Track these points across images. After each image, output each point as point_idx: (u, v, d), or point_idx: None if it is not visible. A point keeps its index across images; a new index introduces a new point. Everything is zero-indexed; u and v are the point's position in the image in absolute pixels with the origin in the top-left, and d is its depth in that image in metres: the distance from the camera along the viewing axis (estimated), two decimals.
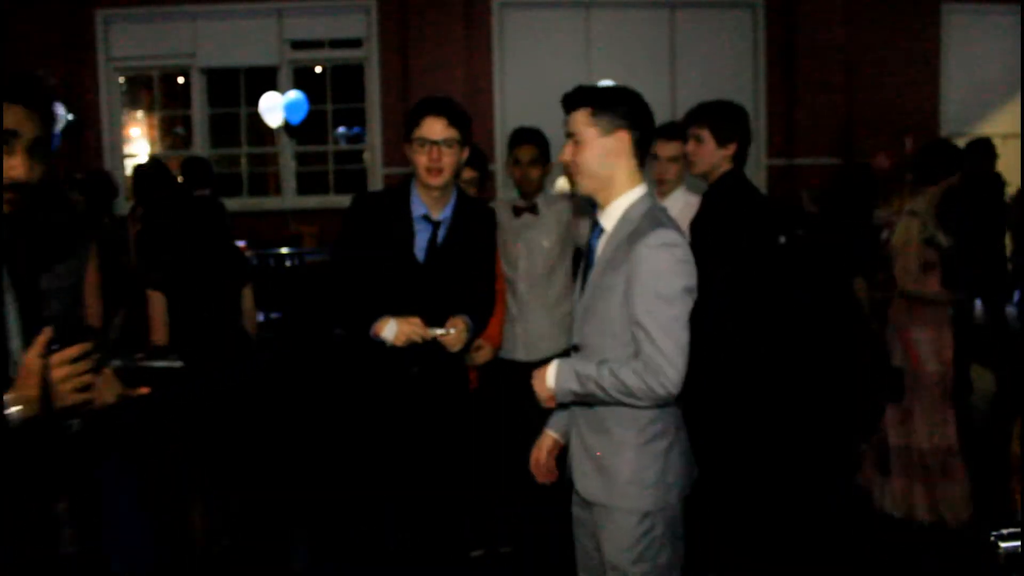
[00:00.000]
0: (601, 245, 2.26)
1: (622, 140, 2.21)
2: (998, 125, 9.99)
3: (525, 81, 10.20)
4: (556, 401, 2.26)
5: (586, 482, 2.31)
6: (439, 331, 2.73)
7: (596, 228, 2.30)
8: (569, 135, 2.26)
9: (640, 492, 2.21)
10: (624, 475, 2.22)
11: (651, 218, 2.18)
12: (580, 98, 2.24)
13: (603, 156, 2.21)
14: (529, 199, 3.89)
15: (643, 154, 2.26)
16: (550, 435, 2.50)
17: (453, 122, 2.77)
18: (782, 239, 6.95)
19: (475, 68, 10.14)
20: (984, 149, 6.03)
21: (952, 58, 10.43)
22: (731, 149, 3.33)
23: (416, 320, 2.70)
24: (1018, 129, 9.33)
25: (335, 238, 2.96)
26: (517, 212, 3.87)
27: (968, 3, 10.40)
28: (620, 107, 2.21)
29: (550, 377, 2.22)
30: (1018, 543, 1.41)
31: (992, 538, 1.44)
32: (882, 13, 10.15)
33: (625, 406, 2.19)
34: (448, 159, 2.74)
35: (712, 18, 10.43)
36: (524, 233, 3.86)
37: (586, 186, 2.27)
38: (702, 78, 9.69)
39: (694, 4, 10.45)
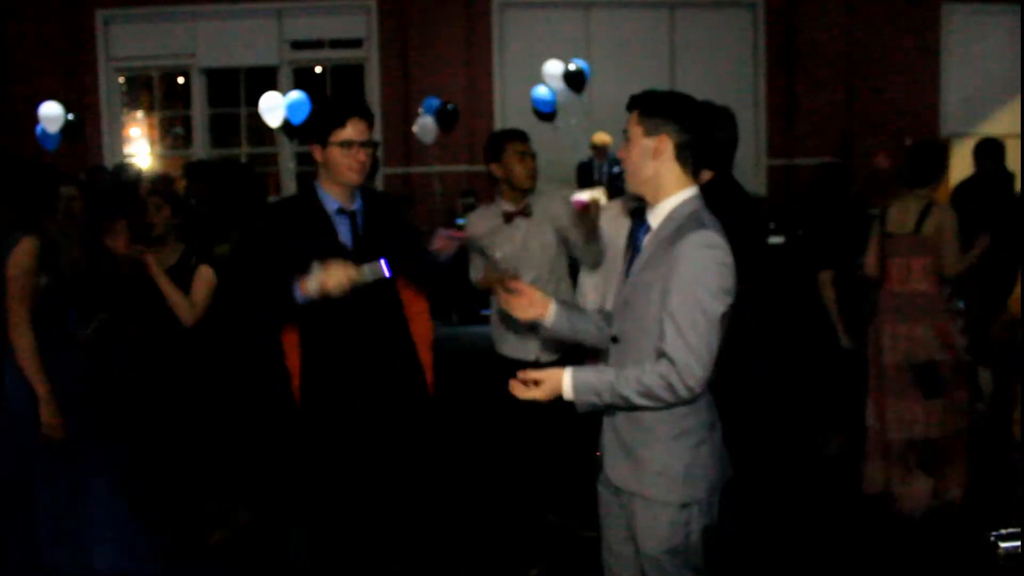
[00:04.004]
0: (646, 243, 2.34)
1: (663, 143, 2.28)
2: (998, 125, 9.98)
3: (525, 81, 10.19)
4: (578, 410, 2.30)
5: (617, 469, 2.36)
6: (367, 270, 2.64)
7: (644, 225, 2.38)
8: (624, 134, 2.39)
9: (669, 484, 2.27)
10: (654, 466, 2.28)
11: (695, 219, 2.26)
12: (633, 100, 2.36)
13: (646, 156, 2.30)
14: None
15: (690, 158, 2.32)
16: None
17: (370, 124, 2.92)
18: (781, 239, 6.97)
19: (475, 68, 10.14)
20: (993, 149, 6.07)
21: (952, 58, 10.43)
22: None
23: (342, 267, 2.64)
24: (1018, 129, 9.32)
25: (240, 250, 2.97)
26: (507, 218, 3.69)
27: (968, 3, 10.40)
28: (665, 111, 2.30)
29: (567, 388, 2.25)
30: (1018, 543, 1.41)
31: (992, 538, 1.44)
32: (882, 13, 10.15)
33: (647, 409, 2.24)
34: (368, 159, 2.89)
35: (712, 18, 10.44)
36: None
37: (630, 184, 2.38)
38: (702, 78, 9.69)
39: (694, 4, 10.45)
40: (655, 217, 2.33)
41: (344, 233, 2.89)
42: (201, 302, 3.83)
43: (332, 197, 2.90)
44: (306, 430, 2.97)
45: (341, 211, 2.90)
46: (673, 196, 2.31)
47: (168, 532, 3.90)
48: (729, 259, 2.21)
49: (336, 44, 10.46)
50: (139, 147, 10.85)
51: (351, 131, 2.83)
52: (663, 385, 2.16)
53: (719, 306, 2.18)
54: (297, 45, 10.42)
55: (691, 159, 2.32)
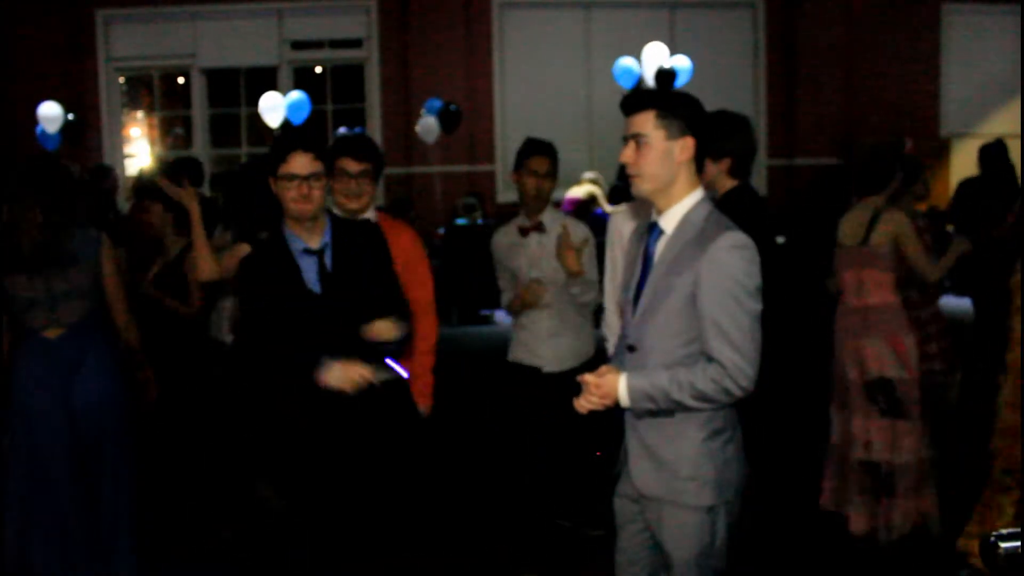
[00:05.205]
0: (661, 248, 2.29)
1: (687, 145, 2.23)
2: (998, 125, 9.99)
3: (525, 81, 10.21)
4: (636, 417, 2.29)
5: (644, 478, 2.31)
6: (383, 375, 2.68)
7: (655, 231, 2.32)
8: (629, 137, 2.27)
9: (700, 488, 2.24)
10: (684, 471, 2.25)
11: (716, 221, 2.23)
12: (647, 100, 2.27)
13: (667, 159, 2.23)
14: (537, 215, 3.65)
15: (701, 161, 2.29)
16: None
17: (319, 156, 2.83)
18: (781, 239, 6.97)
19: (475, 68, 10.15)
20: (998, 150, 6.05)
21: (952, 58, 10.44)
22: (725, 164, 3.25)
23: (358, 367, 2.65)
24: (1018, 129, 9.33)
25: (241, 289, 2.97)
26: (523, 232, 3.64)
27: (968, 3, 10.42)
28: (687, 112, 2.24)
29: (623, 396, 2.22)
30: (1018, 543, 1.41)
31: (992, 538, 1.43)
32: (882, 13, 10.17)
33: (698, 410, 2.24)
34: (316, 192, 2.79)
35: (712, 18, 10.45)
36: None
37: (647, 188, 2.27)
38: (702, 78, 9.69)
39: (694, 4, 10.46)
40: (668, 222, 2.28)
41: (310, 275, 2.80)
42: (226, 268, 3.54)
43: (296, 236, 2.83)
44: (288, 437, 2.92)
45: (307, 251, 2.82)
46: (686, 199, 2.26)
47: (170, 532, 3.91)
48: (758, 258, 2.21)
49: (336, 44, 10.47)
50: (139, 147, 10.85)
51: (293, 165, 2.76)
52: (718, 389, 2.16)
53: (757, 304, 2.19)
54: (297, 45, 10.42)
55: (697, 162, 2.27)
